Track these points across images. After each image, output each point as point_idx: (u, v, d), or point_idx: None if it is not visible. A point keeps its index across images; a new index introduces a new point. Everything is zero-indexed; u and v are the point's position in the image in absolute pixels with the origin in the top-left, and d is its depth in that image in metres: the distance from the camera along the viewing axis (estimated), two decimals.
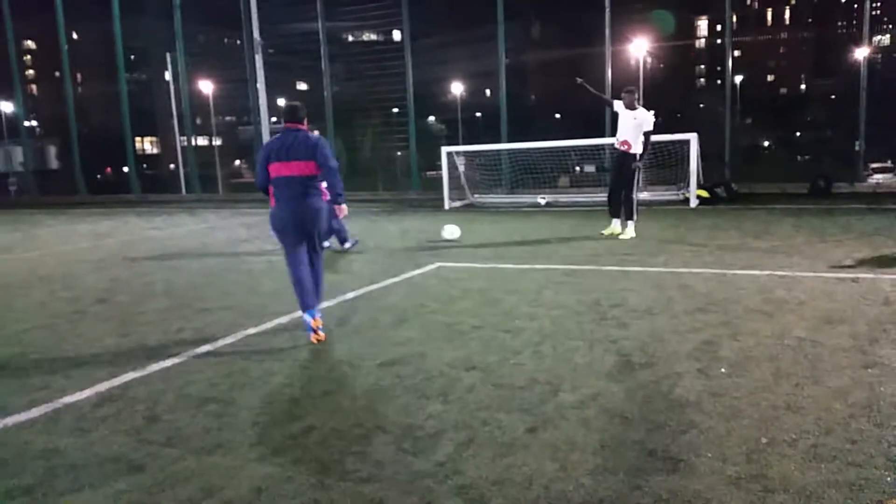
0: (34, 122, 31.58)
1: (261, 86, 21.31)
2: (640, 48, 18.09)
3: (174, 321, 6.07)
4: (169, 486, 3.08)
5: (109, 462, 3.35)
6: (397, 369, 4.52)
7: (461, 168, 15.79)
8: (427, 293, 6.76)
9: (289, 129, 5.39)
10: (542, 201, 10.91)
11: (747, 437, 3.29)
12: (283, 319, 5.95)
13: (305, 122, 5.53)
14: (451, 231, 10.19)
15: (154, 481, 3.14)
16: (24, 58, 29.80)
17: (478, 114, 25.58)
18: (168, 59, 24.60)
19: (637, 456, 3.16)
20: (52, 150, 33.17)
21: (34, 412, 4.02)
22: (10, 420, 3.91)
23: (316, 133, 6.00)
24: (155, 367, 4.76)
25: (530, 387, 4.06)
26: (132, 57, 28.17)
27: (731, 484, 2.88)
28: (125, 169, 34.21)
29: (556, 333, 5.12)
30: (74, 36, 29.80)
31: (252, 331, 5.62)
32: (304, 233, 5.38)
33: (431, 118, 21.68)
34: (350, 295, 6.77)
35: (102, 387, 4.40)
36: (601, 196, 14.06)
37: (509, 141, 16.81)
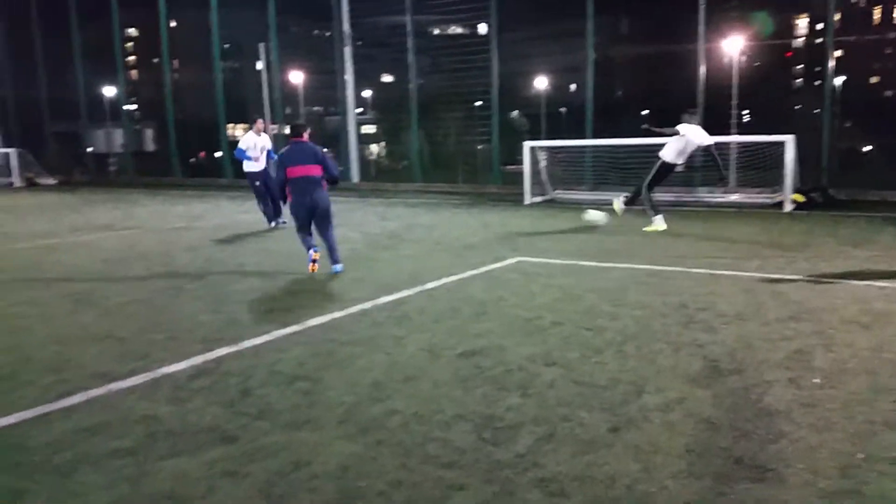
0: (134, 106, 33.12)
1: (349, 77, 21.77)
2: (734, 46, 17.48)
3: (264, 301, 6.31)
4: (259, 458, 3.22)
5: (204, 431, 3.53)
6: (477, 360, 4.56)
7: (543, 163, 15.68)
8: (506, 287, 6.77)
9: (295, 141, 7.57)
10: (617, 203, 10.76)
11: (841, 452, 3.17)
12: (366, 305, 6.08)
13: (306, 134, 7.66)
14: (595, 216, 10.94)
15: (245, 452, 3.29)
16: (127, 44, 31.25)
17: (562, 109, 25.28)
18: (261, 50, 25.31)
19: (723, 462, 3.09)
20: (150, 134, 34.81)
21: (135, 380, 4.27)
22: (114, 386, 4.17)
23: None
24: (247, 343, 4.97)
25: (613, 386, 4.02)
26: (227, 46, 29.14)
27: (823, 498, 2.78)
28: (217, 154, 35.59)
29: (640, 334, 5.05)
30: (174, 24, 31.10)
31: (337, 314, 5.78)
32: (313, 215, 7.42)
33: (514, 112, 21.53)
34: (430, 285, 6.85)
35: (198, 360, 4.63)
36: (688, 196, 13.72)
37: (594, 137, 16.58)
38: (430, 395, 3.97)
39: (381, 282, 7.03)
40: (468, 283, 7.01)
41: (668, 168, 10.30)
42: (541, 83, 25.34)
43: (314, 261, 7.42)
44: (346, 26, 21.25)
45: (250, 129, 12.67)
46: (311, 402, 3.91)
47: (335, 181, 7.80)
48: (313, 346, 4.93)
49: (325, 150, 7.99)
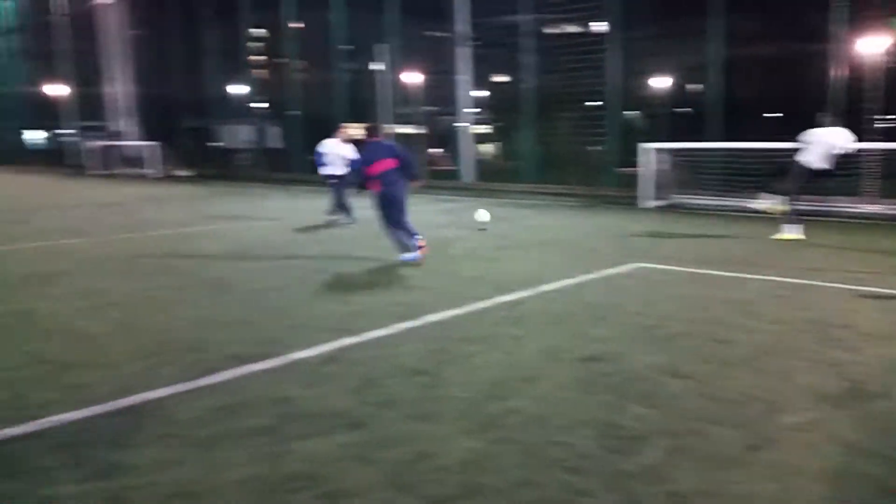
0: (261, 104, 34.73)
1: (464, 77, 21.96)
2: (876, 45, 16.22)
3: (384, 295, 6.47)
4: (386, 446, 3.31)
5: (334, 416, 3.66)
6: (597, 366, 4.48)
7: (662, 166, 15.20)
8: (625, 293, 6.61)
9: (374, 141, 8.47)
10: (761, 205, 10.19)
11: None
12: (483, 304, 6.12)
13: (381, 134, 8.76)
14: (482, 215, 11.26)
15: (372, 439, 3.39)
16: (255, 44, 32.90)
17: (683, 109, 24.39)
18: (377, 51, 25.92)
19: (872, 492, 2.89)
20: (275, 131, 36.55)
21: (269, 363, 4.49)
22: (249, 367, 4.41)
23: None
24: (370, 335, 5.12)
25: (746, 402, 3.85)
26: (348, 47, 30.08)
27: None
28: None
29: (774, 349, 4.79)
30: (300, 25, 32.36)
31: (455, 312, 5.84)
32: (394, 205, 8.08)
33: (631, 112, 20.99)
34: (547, 287, 6.80)
35: (325, 347, 4.81)
36: (826, 206, 12.86)
37: (718, 140, 15.89)
38: (550, 398, 3.94)
39: (498, 282, 7.04)
40: (586, 286, 6.90)
41: (814, 174, 9.64)
42: (660, 83, 24.56)
43: (421, 246, 8.06)
44: (463, 26, 21.43)
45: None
46: (432, 395, 3.98)
47: (414, 176, 8.39)
48: (432, 341, 5.01)
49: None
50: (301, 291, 6.68)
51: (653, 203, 14.76)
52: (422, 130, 25.97)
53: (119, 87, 35.68)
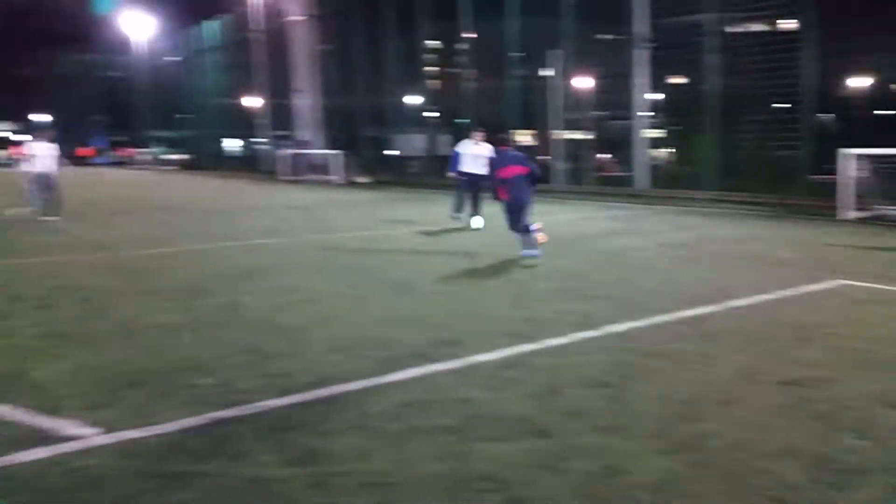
0: (432, 113, 35.78)
1: (640, 80, 21.27)
2: None
3: (561, 303, 6.39)
4: (573, 457, 3.24)
5: (518, 422, 3.65)
6: (801, 391, 4.11)
7: (864, 173, 13.76)
8: (830, 312, 6.03)
9: (501, 149, 9.57)
10: None
11: None
12: (666, 317, 5.85)
13: (509, 144, 9.43)
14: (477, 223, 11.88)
15: (559, 448, 3.33)
16: (429, 55, 33.97)
17: (885, 112, 22.07)
18: (550, 57, 25.76)
19: None
20: (445, 139, 37.65)
21: (451, 364, 4.58)
22: (434, 367, 4.51)
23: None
24: (550, 342, 5.07)
25: None
26: (519, 55, 30.24)
27: None
28: None
29: None
30: (472, 35, 32.99)
31: (635, 324, 5.63)
32: (522, 207, 8.64)
33: (826, 115, 19.24)
34: (738, 302, 6.36)
35: (506, 352, 4.82)
36: None
37: None
38: (749, 422, 3.67)
39: (681, 294, 6.71)
40: (782, 304, 6.38)
41: None
42: (859, 83, 22.36)
43: (539, 230, 8.57)
44: (641, 28, 20.77)
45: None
46: (620, 409, 3.84)
47: (537, 180, 9.15)
48: (615, 353, 4.85)
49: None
50: (477, 296, 6.77)
51: (853, 214, 13.41)
52: (590, 136, 25.49)
53: (307, 99, 38.41)
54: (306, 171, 33.72)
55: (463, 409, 3.81)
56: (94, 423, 3.59)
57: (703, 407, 3.88)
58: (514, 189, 8.64)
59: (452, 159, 13.13)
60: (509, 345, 4.99)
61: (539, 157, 35.75)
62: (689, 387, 4.21)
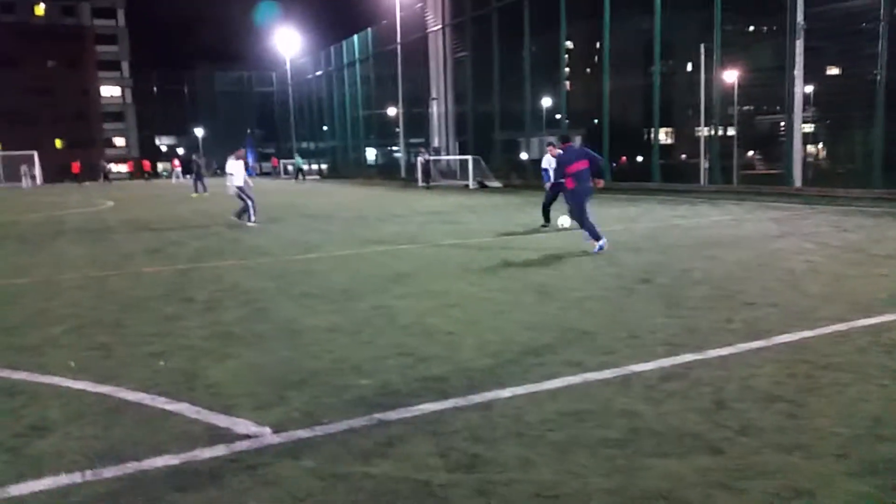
0: (566, 116, 35.29)
1: (797, 72, 19.85)
2: None
3: (720, 311, 6.03)
4: (752, 476, 3.01)
5: (687, 437, 3.45)
6: None
7: None
8: None
9: (567, 146, 10.43)
10: None
11: None
12: (840, 326, 5.36)
13: (574, 141, 11.12)
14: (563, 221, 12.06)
15: (735, 467, 3.11)
16: (567, 57, 33.51)
17: None
18: (695, 52, 24.66)
19: None
20: (577, 140, 37.11)
21: (606, 373, 4.42)
22: (588, 376, 4.38)
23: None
24: (712, 353, 4.78)
25: None
26: (659, 50, 29.22)
27: None
28: (639, 158, 36.15)
29: None
30: (609, 33, 32.23)
31: (807, 333, 5.20)
32: (586, 197, 9.88)
33: None
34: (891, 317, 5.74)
35: (664, 362, 4.60)
36: None
37: None
38: None
39: (855, 301, 6.15)
40: None
41: None
42: None
43: (602, 248, 9.44)
44: (801, 17, 19.37)
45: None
46: (798, 426, 3.54)
47: (601, 172, 10.46)
48: (786, 365, 4.50)
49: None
50: (626, 301, 6.54)
51: None
52: (736, 132, 24.08)
53: (441, 106, 39.12)
54: (440, 177, 34.33)
55: (625, 421, 3.66)
56: (264, 423, 3.78)
57: (891, 426, 3.50)
58: (578, 180, 9.82)
59: (544, 174, 13.51)
60: (667, 354, 4.76)
61: (681, 156, 34.40)
62: (874, 403, 3.82)
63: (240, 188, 15.08)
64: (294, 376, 4.60)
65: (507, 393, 4.10)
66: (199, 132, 72.26)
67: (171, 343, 5.56)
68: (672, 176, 24.87)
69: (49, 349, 5.51)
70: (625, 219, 14.41)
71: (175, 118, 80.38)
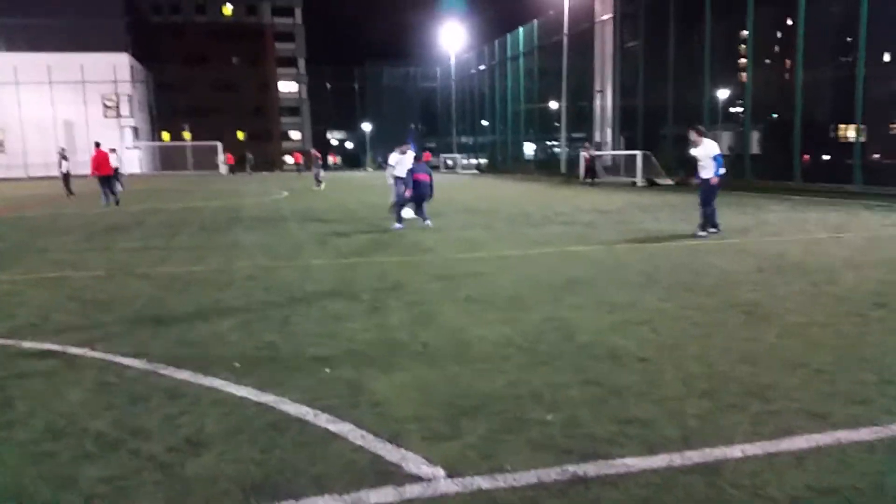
0: (739, 109, 32.56)
1: None
2: None
3: None
4: None
5: None
6: None
7: None
8: None
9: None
10: None
11: None
12: None
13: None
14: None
15: None
16: (740, 46, 30.86)
17: None
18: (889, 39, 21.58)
19: None
20: (755, 135, 33.95)
21: (864, 433, 3.44)
22: (840, 435, 3.41)
23: None
24: None
25: None
26: (849, 39, 26.05)
27: None
28: (825, 157, 32.55)
29: None
30: (790, 22, 29.34)
31: None
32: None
33: None
34: None
35: None
36: None
37: None
38: None
39: None
40: None
41: None
42: None
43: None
44: None
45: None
46: None
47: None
48: None
49: None
50: (858, 330, 5.34)
51: None
52: None
53: (606, 100, 37.54)
54: (605, 174, 32.87)
55: None
56: (437, 461, 3.21)
57: None
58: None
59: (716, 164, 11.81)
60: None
61: (873, 155, 30.60)
62: None
63: (398, 179, 14.71)
64: (466, 400, 4.02)
65: (736, 452, 3.25)
66: (366, 127, 75.08)
67: (337, 347, 5.20)
68: (870, 178, 21.98)
69: (216, 346, 5.33)
70: (828, 226, 12.64)
71: (345, 113, 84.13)
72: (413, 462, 3.22)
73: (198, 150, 60.81)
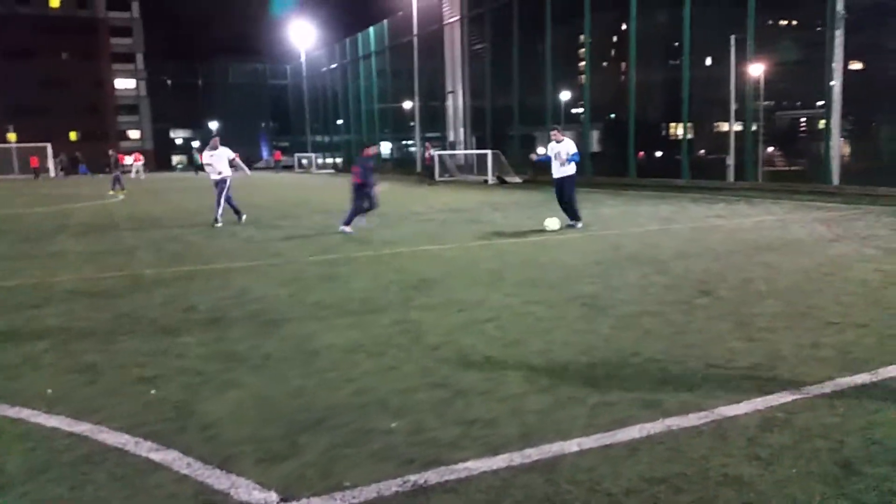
0: (580, 109, 34.35)
1: (836, 65, 18.85)
2: None
3: (800, 332, 5.18)
4: None
5: None
6: None
7: None
8: None
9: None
10: None
11: None
12: None
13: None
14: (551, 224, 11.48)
15: None
16: (583, 51, 32.59)
17: None
18: (725, 45, 23.70)
19: None
20: (594, 135, 35.97)
21: (693, 418, 3.60)
22: (671, 423, 3.55)
23: None
24: (811, 390, 3.95)
25: None
26: (676, 44, 28.20)
27: None
28: (658, 154, 35.11)
29: None
30: (623, 27, 31.33)
31: None
32: None
33: None
34: None
35: (758, 403, 3.78)
36: None
37: None
38: None
39: None
40: None
41: None
42: None
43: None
44: (840, 6, 18.36)
45: None
46: None
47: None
48: None
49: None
50: (687, 319, 5.67)
51: None
52: (754, 128, 23.00)
53: (458, 100, 38.23)
54: (457, 172, 33.46)
55: (733, 494, 2.84)
56: (271, 485, 3.00)
57: None
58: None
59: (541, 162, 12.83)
60: (758, 392, 3.93)
61: (700, 152, 33.37)
62: None
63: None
64: (307, 414, 3.82)
65: (573, 446, 3.29)
66: (212, 125, 71.74)
67: (165, 366, 4.79)
68: (696, 173, 23.91)
69: (25, 371, 4.75)
70: (659, 218, 13.53)
71: (189, 111, 79.99)
72: (244, 488, 2.99)
73: (25, 152, 55.34)
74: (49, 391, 4.30)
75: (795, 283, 6.96)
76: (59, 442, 3.55)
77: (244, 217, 14.40)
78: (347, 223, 12.08)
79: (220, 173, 13.95)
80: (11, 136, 60.65)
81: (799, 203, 15.98)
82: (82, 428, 3.70)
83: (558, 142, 12.13)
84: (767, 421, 3.55)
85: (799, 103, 32.68)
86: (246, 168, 16.68)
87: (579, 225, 11.99)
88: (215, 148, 14.13)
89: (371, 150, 13.05)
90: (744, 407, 3.73)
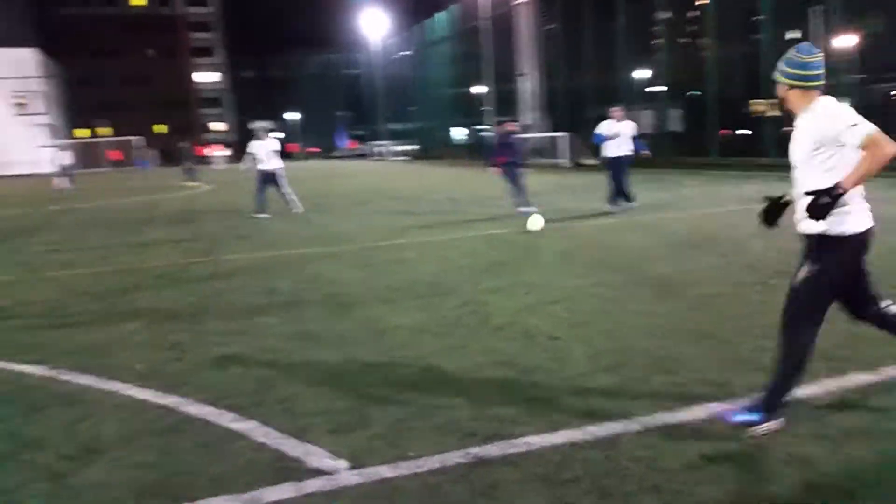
0: (661, 88, 33.38)
1: None
2: None
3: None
4: None
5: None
6: None
7: None
8: None
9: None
10: None
11: None
12: None
13: None
14: (534, 223, 10.05)
15: None
16: (661, 28, 31.63)
17: None
18: (811, 14, 22.51)
19: None
20: (675, 113, 34.92)
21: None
22: (738, 404, 3.51)
23: None
24: (887, 371, 3.83)
25: None
26: (760, 18, 26.96)
27: None
28: (739, 132, 33.76)
29: None
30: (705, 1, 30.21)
31: None
32: None
33: None
34: None
35: (830, 384, 3.70)
36: None
37: None
38: None
39: None
40: None
41: None
42: None
43: None
44: None
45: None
46: None
47: None
48: None
49: None
50: (761, 300, 5.54)
51: None
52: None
53: (530, 82, 37.83)
54: (531, 156, 33.20)
55: (796, 474, 2.80)
56: (342, 454, 3.16)
57: None
58: None
59: (595, 140, 12.40)
60: (831, 373, 3.83)
61: (783, 129, 32.04)
62: None
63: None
64: (376, 390, 3.97)
65: (635, 425, 3.31)
66: (289, 116, 73.68)
67: (248, 344, 5.06)
68: (783, 151, 22.92)
69: (118, 350, 5.11)
70: (741, 198, 13.09)
71: (267, 103, 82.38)
72: (316, 456, 3.16)
73: (119, 145, 58.42)
74: (138, 366, 4.61)
75: (884, 262, 6.64)
76: (148, 413, 3.83)
77: (264, 215, 14.15)
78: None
79: (270, 165, 13.95)
80: (107, 131, 64.10)
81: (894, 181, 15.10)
82: (169, 400, 3.97)
83: (619, 121, 11.94)
84: (839, 402, 3.47)
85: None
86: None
87: (635, 204, 11.76)
88: (264, 139, 14.07)
89: (511, 126, 12.67)
90: (815, 389, 3.64)
